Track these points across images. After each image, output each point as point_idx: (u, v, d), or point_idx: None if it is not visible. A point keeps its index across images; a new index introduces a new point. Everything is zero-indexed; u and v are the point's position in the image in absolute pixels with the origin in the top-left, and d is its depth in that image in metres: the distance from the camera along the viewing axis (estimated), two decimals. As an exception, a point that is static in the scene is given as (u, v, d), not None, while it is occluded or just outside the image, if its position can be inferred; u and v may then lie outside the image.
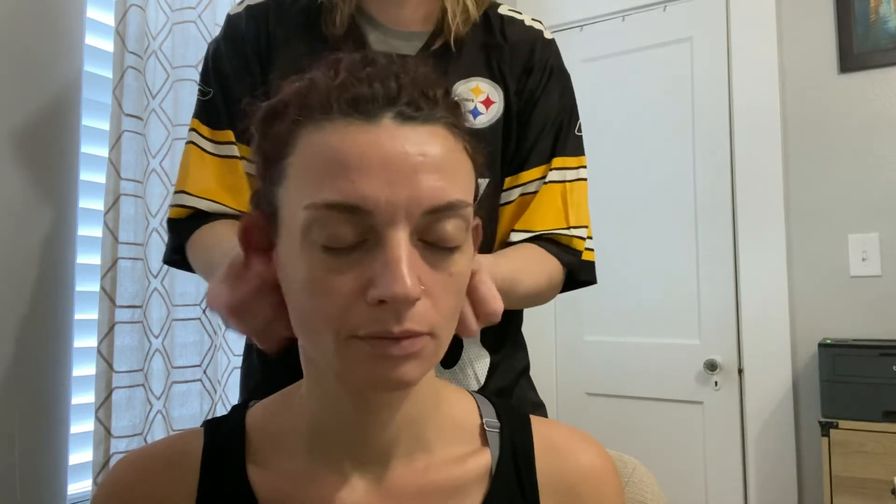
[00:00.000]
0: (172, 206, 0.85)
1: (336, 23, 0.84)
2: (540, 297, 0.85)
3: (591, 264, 0.91)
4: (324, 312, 0.48)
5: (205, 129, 0.86)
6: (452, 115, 0.52)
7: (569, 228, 0.86)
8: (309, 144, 0.49)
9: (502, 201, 0.88)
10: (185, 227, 0.84)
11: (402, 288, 0.45)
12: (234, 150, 0.85)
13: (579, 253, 0.89)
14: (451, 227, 0.49)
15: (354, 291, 0.47)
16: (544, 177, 0.87)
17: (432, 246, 0.49)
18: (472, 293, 0.56)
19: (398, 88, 0.49)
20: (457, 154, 0.51)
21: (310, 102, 0.50)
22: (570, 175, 0.88)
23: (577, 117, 0.92)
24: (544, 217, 0.86)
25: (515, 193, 0.87)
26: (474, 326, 0.58)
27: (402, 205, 0.47)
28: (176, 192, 0.86)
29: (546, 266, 0.84)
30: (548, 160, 0.88)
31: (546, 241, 0.86)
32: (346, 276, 0.48)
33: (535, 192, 0.87)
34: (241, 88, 0.84)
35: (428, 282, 0.48)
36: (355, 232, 0.47)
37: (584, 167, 0.90)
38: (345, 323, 0.48)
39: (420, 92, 0.50)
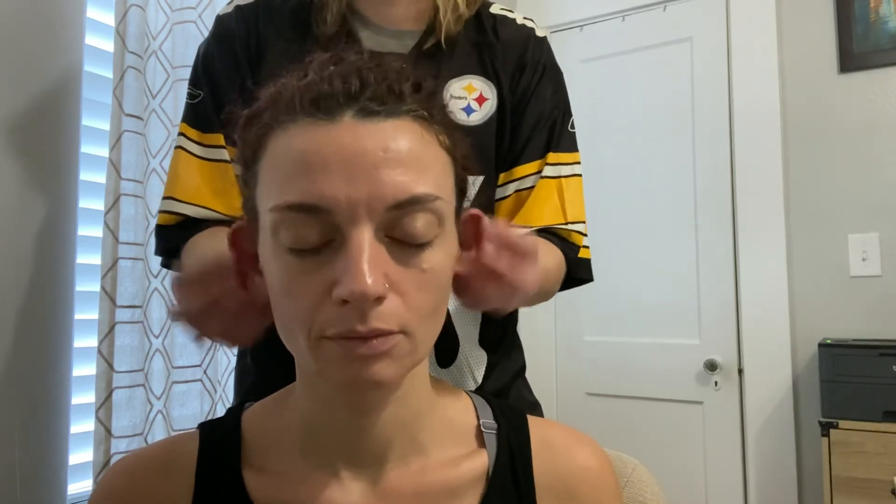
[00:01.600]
0: (161, 212, 0.84)
1: (327, 21, 0.83)
2: (550, 287, 0.84)
3: (588, 262, 0.91)
4: (295, 314, 0.48)
5: (193, 133, 0.85)
6: (423, 107, 0.51)
7: (567, 224, 0.86)
8: (276, 147, 0.49)
9: (497, 197, 0.88)
10: (174, 235, 0.83)
11: (361, 286, 0.45)
12: (224, 153, 0.84)
13: (577, 248, 0.89)
14: (420, 223, 0.48)
15: (322, 292, 0.47)
16: (539, 171, 0.87)
17: (402, 242, 0.48)
18: (509, 247, 0.57)
19: (360, 84, 0.49)
20: (427, 147, 0.50)
21: (278, 106, 0.50)
22: (565, 171, 0.88)
23: (569, 114, 0.92)
24: (542, 212, 0.86)
25: (510, 189, 0.87)
26: (527, 279, 0.58)
27: (362, 202, 0.46)
28: (164, 199, 0.84)
29: (555, 254, 0.84)
30: (542, 156, 0.87)
31: (546, 234, 0.86)
32: (313, 276, 0.47)
33: (530, 188, 0.87)
34: (232, 89, 0.83)
35: (397, 279, 0.48)
36: (320, 232, 0.47)
37: (579, 163, 0.90)
38: (314, 324, 0.48)
39: (386, 87, 0.49)
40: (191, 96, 0.86)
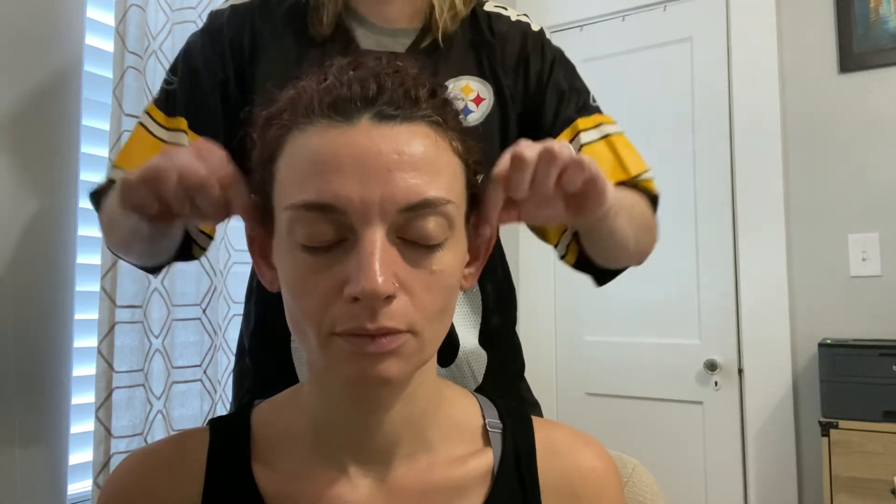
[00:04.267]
0: (106, 179, 0.82)
1: (323, 22, 0.83)
2: (647, 230, 0.81)
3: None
4: (306, 311, 0.50)
5: (159, 115, 0.84)
6: (438, 113, 0.52)
7: (634, 178, 0.84)
8: (293, 147, 0.51)
9: None
10: (104, 194, 0.80)
11: (372, 284, 0.46)
12: (184, 139, 0.83)
13: (655, 195, 0.86)
14: (431, 225, 0.49)
15: (333, 290, 0.48)
16: (575, 137, 0.85)
17: (413, 244, 0.49)
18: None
19: (378, 89, 0.50)
20: (441, 152, 0.51)
21: (297, 108, 0.51)
22: (608, 129, 0.87)
23: (588, 91, 0.91)
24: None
25: None
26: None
27: (375, 203, 0.47)
28: (112, 167, 0.83)
29: (631, 195, 0.80)
30: (571, 123, 0.86)
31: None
32: (325, 274, 0.48)
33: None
34: (208, 81, 0.83)
35: (407, 279, 0.49)
36: (334, 231, 0.48)
37: (616, 124, 0.89)
38: (325, 320, 0.49)
39: (403, 91, 0.51)
40: (167, 82, 0.86)
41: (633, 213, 0.76)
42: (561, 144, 0.52)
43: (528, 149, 0.52)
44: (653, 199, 0.86)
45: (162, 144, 0.83)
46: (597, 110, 0.90)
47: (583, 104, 0.89)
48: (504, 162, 0.53)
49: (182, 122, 0.83)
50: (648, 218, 0.83)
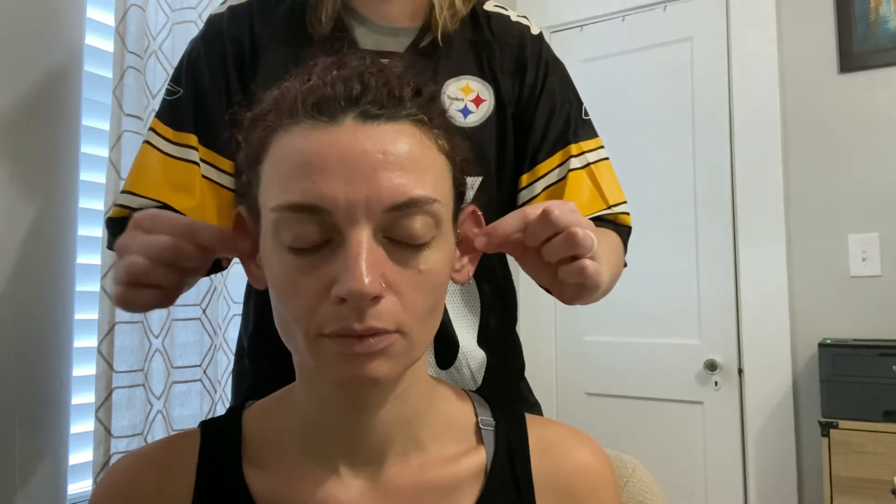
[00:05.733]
0: (116, 205, 0.81)
1: (322, 20, 0.83)
2: (617, 275, 0.83)
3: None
4: (293, 312, 0.49)
5: (166, 130, 0.83)
6: (423, 112, 0.52)
7: (610, 207, 0.86)
8: (278, 148, 0.50)
9: (525, 198, 0.87)
10: (121, 228, 0.79)
11: (359, 284, 0.45)
12: (194, 154, 0.82)
13: (628, 228, 0.89)
14: (418, 224, 0.49)
15: (320, 290, 0.48)
16: (564, 163, 0.87)
17: (400, 243, 0.49)
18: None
19: (362, 88, 0.50)
20: (426, 151, 0.51)
21: (282, 108, 0.51)
22: (591, 157, 0.88)
23: (580, 102, 0.92)
24: (580, 204, 0.84)
25: (539, 187, 0.87)
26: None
27: (361, 203, 0.47)
28: (122, 192, 0.81)
29: (610, 237, 0.84)
30: (562, 147, 0.87)
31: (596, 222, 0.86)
32: (312, 275, 0.48)
33: (560, 181, 0.86)
34: (214, 91, 0.83)
35: (394, 279, 0.49)
36: (320, 232, 0.48)
37: (603, 147, 0.90)
38: (312, 322, 0.48)
39: (387, 91, 0.50)
40: (169, 93, 0.85)
41: (610, 263, 0.76)
42: (587, 233, 0.54)
43: (561, 211, 0.54)
44: (626, 232, 0.88)
45: (172, 161, 0.81)
46: (588, 127, 0.91)
47: (575, 119, 0.89)
48: (535, 210, 0.55)
49: (192, 139, 0.82)
50: (620, 258, 0.84)
